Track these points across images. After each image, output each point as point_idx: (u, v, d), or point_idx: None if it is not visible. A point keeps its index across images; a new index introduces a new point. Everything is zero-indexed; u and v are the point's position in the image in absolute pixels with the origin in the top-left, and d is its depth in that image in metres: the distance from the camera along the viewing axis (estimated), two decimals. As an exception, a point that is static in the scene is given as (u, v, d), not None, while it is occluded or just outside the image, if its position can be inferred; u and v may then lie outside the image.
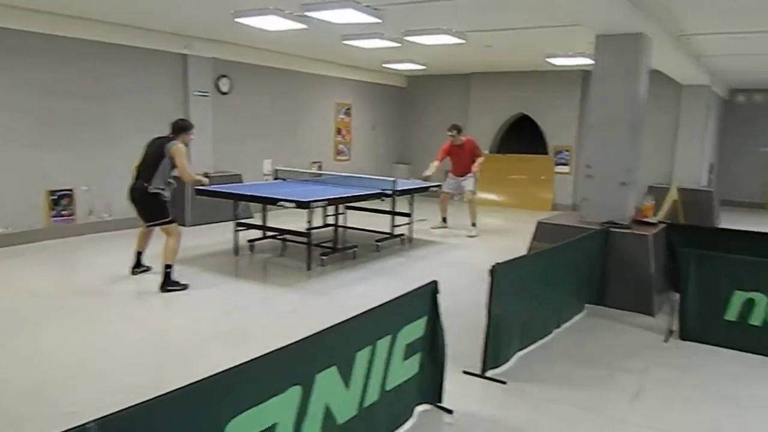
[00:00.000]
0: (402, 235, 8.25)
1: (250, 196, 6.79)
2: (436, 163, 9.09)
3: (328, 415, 2.54)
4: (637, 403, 3.69)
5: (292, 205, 6.20)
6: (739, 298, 4.50)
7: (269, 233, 7.55)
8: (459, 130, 9.10)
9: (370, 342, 2.82)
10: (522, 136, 13.42)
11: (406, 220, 8.33)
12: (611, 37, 5.81)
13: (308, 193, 6.74)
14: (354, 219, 8.46)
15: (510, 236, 8.91)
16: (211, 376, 1.98)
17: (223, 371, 2.03)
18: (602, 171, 5.97)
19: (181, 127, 5.85)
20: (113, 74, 8.44)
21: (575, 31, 7.03)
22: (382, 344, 2.92)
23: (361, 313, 2.74)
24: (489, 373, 3.89)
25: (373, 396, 2.87)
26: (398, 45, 8.79)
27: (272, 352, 2.23)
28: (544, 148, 12.89)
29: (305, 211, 6.33)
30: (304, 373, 2.40)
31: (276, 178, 8.61)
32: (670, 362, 4.37)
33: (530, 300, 4.30)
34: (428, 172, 8.85)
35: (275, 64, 10.82)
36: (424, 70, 12.55)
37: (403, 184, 7.80)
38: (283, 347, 2.28)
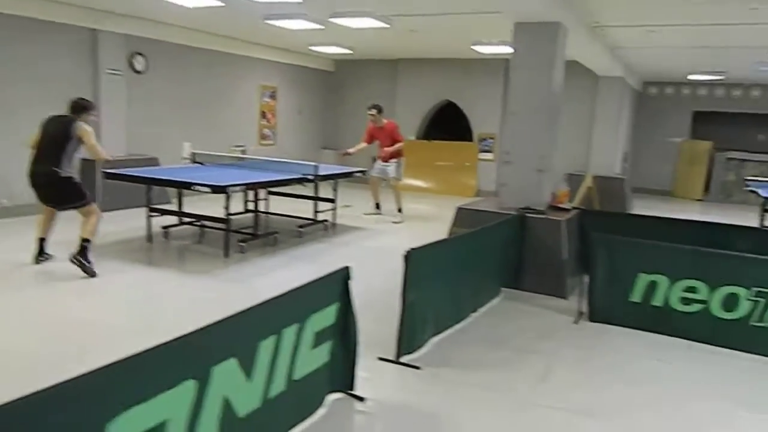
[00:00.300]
0: (325, 221, 8.14)
1: (163, 180, 6.47)
2: (362, 145, 9.05)
3: (228, 408, 2.42)
4: (545, 384, 3.78)
5: (208, 189, 5.96)
6: (643, 280, 4.71)
7: (186, 219, 7.26)
8: (380, 110, 8.92)
9: (275, 331, 2.72)
10: (448, 123, 13.56)
11: (330, 205, 8.22)
12: (529, 25, 5.90)
13: (226, 178, 6.50)
14: (277, 205, 8.27)
15: (435, 222, 8.96)
16: (90, 372, 1.83)
17: (104, 366, 1.89)
18: (520, 157, 6.08)
19: (83, 107, 5.53)
20: (12, 50, 7.81)
21: (497, 19, 7.09)
22: (289, 333, 2.82)
23: (265, 302, 2.63)
24: (404, 359, 3.88)
25: (279, 386, 2.78)
26: (322, 27, 8.61)
27: (162, 344, 2.10)
28: (470, 135, 13.08)
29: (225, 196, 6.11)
30: (200, 366, 2.28)
31: (194, 162, 8.27)
32: (578, 343, 4.52)
33: (446, 285, 4.32)
34: (351, 150, 8.86)
35: (195, 42, 10.37)
36: (351, 54, 12.40)
37: (325, 169, 7.68)
38: (175, 339, 2.15)
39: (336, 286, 3.22)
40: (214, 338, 2.35)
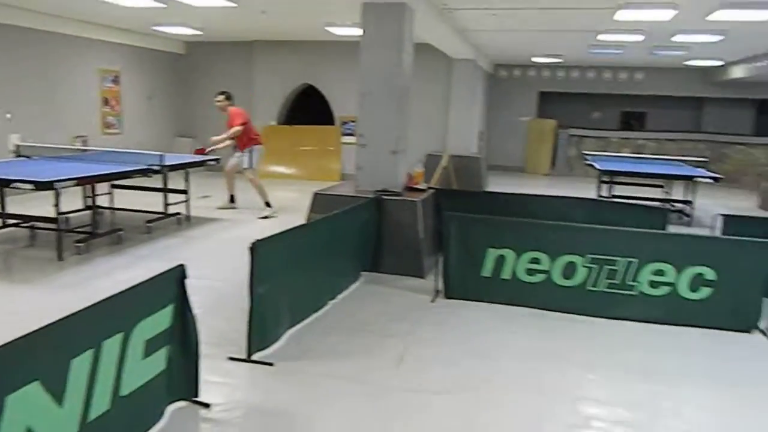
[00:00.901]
0: (178, 214, 7.62)
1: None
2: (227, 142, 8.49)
3: (32, 439, 2.10)
4: (402, 367, 3.77)
5: (30, 186, 5.28)
6: (491, 255, 4.88)
7: (10, 221, 6.42)
8: (228, 97, 8.26)
9: (92, 345, 2.40)
10: (310, 107, 13.34)
11: (182, 197, 7.70)
12: (376, 6, 5.84)
13: (54, 172, 5.81)
14: (124, 199, 7.61)
15: (300, 209, 8.73)
16: None
17: None
18: (374, 140, 6.05)
19: None
20: None
21: (346, 0, 6.99)
22: (111, 345, 2.52)
23: (76, 313, 2.31)
24: (256, 356, 3.68)
25: (101, 406, 2.47)
26: (164, 6, 7.99)
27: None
28: (332, 118, 12.97)
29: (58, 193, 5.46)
30: (-12, 396, 1.94)
31: (19, 156, 7.34)
32: (435, 321, 4.58)
33: (300, 274, 4.17)
34: (212, 147, 8.27)
35: (18, 21, 9.17)
36: (201, 35, 11.71)
37: (173, 159, 7.16)
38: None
39: (169, 287, 2.93)
40: (5, 362, 2.00)
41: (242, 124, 8.09)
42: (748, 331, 4.48)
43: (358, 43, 6.05)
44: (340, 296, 4.96)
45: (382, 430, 3.07)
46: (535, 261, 4.78)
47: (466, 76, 11.80)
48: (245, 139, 8.27)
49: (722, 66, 13.02)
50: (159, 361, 2.88)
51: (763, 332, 4.47)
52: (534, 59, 13.73)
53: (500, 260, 4.86)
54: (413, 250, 5.65)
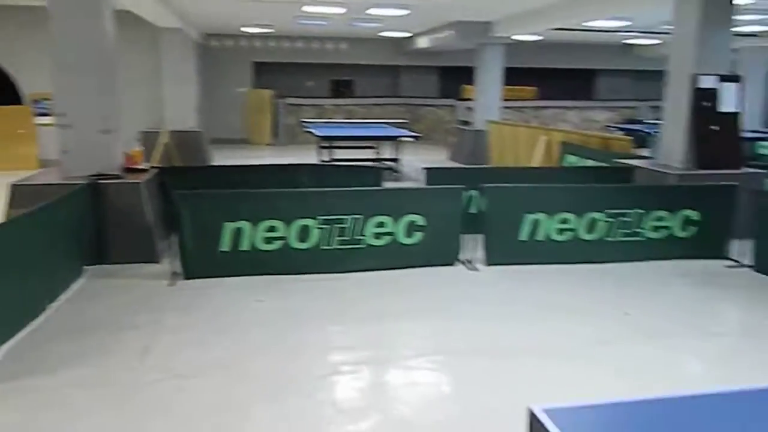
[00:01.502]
0: None
1: None
2: None
3: None
4: (145, 360, 3.56)
5: None
6: (228, 229, 4.86)
7: None
8: None
9: None
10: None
11: None
12: (61, -34, 5.15)
13: None
14: None
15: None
16: None
17: None
18: (80, 119, 5.41)
19: None
20: None
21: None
22: None
23: None
24: (-38, 385, 3.11)
25: None
26: None
27: None
28: (19, 97, 11.13)
29: None
30: None
31: None
32: (178, 305, 4.41)
33: (3, 281, 3.59)
34: None
35: None
36: None
37: None
38: None
39: None
40: None
41: None
42: (452, 264, 5.33)
43: (41, 8, 5.27)
44: (61, 297, 4.42)
45: (133, 430, 2.90)
46: (272, 229, 4.92)
47: (175, 46, 11.18)
48: None
49: (411, 37, 14.74)
50: None
51: (462, 262, 5.37)
52: (244, 29, 13.67)
53: (237, 233, 4.88)
54: (143, 235, 5.30)
